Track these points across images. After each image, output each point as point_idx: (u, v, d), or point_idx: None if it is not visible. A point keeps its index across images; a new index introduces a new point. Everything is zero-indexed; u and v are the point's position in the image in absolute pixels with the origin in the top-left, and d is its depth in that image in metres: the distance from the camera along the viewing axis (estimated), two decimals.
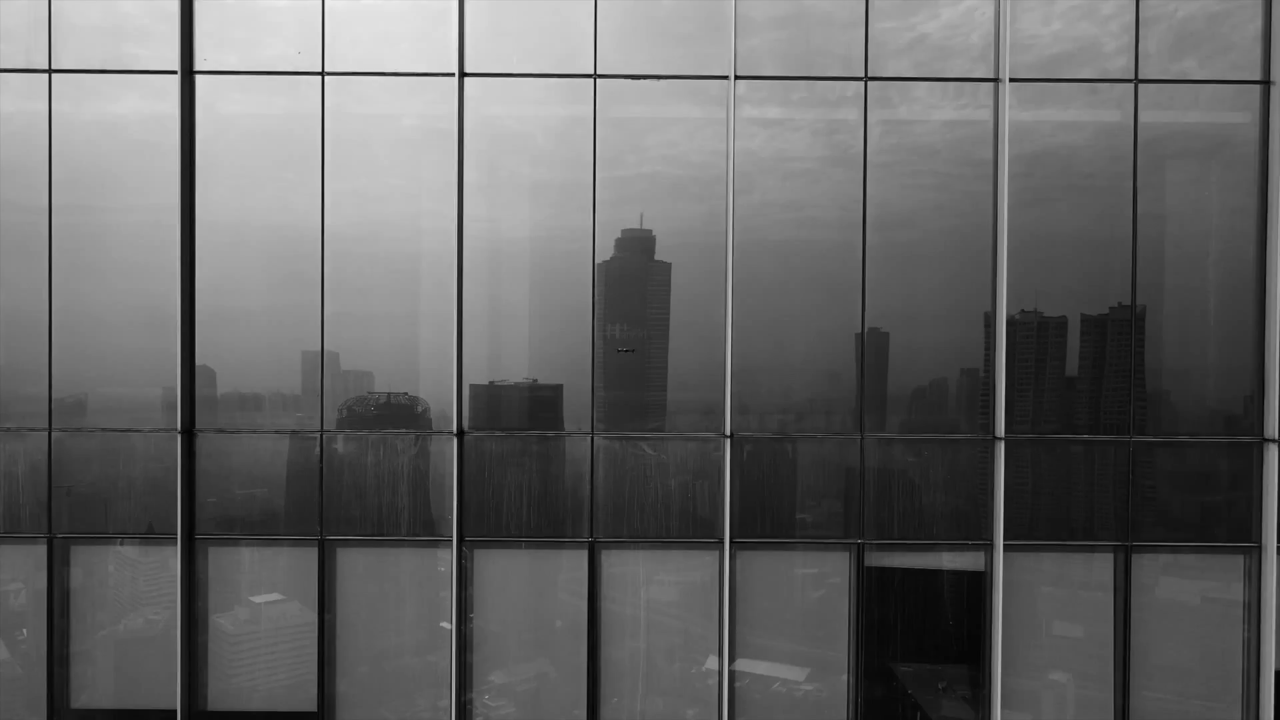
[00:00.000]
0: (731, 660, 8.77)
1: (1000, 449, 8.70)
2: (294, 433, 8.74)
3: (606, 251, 8.76)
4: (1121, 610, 8.81)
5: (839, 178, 8.71)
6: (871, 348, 8.74)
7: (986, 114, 8.69)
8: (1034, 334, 8.78)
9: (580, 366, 8.76)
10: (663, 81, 8.67)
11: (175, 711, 8.74)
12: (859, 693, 8.81)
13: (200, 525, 8.75)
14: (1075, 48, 8.67)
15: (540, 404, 8.82)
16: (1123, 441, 8.75)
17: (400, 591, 8.85)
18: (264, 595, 8.77)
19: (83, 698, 8.91)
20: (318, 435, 8.75)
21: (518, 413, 8.83)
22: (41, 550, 8.77)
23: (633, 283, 8.83)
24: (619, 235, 8.78)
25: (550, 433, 8.79)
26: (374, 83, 8.67)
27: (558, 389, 8.85)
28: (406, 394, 8.88)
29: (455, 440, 8.69)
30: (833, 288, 8.73)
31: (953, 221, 8.74)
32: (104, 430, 8.74)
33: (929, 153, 8.78)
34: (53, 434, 8.73)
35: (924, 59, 8.68)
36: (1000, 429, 8.68)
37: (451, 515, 8.69)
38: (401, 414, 8.81)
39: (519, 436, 8.79)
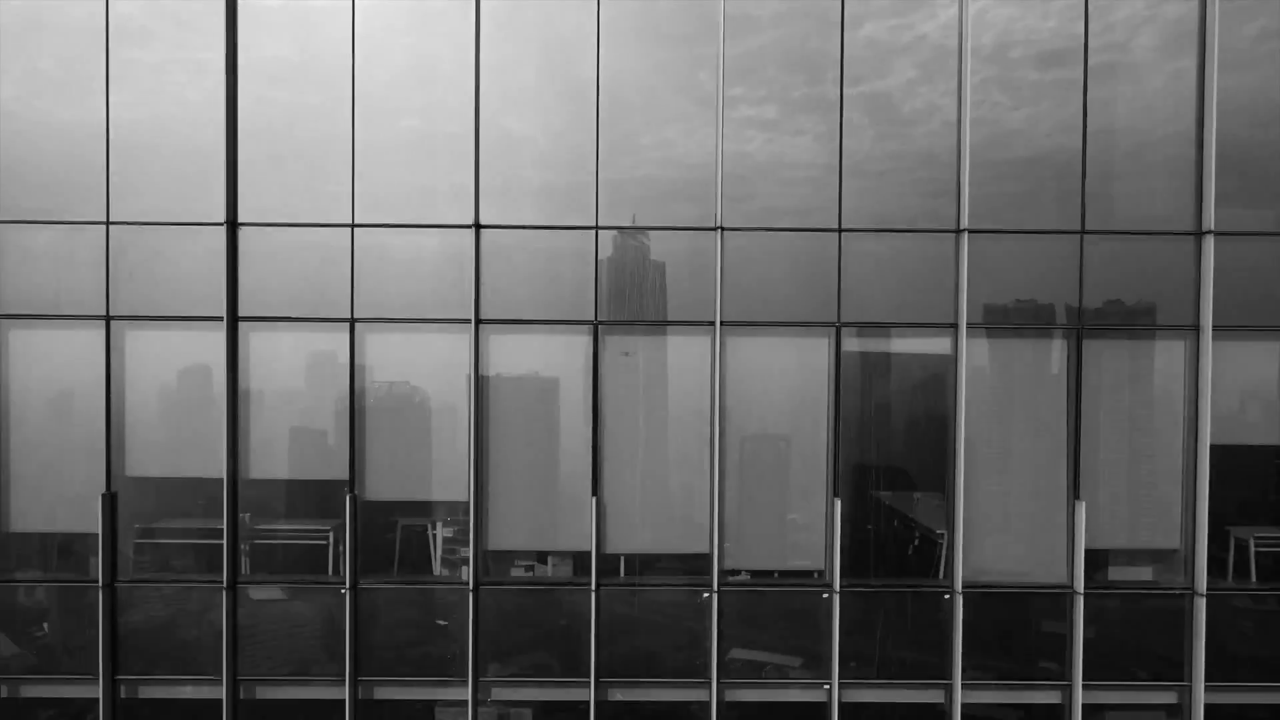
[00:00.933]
0: (722, 423, 9.78)
1: (965, 241, 9.65)
2: (327, 225, 9.69)
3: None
4: (1073, 388, 9.78)
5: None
6: None
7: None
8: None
9: None
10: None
11: (223, 479, 9.73)
12: (837, 456, 9.81)
13: (243, 307, 9.72)
14: None
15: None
16: (1074, 233, 9.70)
17: (432, 363, 9.84)
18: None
19: (137, 467, 9.89)
20: (349, 228, 9.70)
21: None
22: (100, 332, 9.73)
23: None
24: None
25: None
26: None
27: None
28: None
29: (473, 232, 9.66)
30: None
31: None
32: (156, 224, 9.68)
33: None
34: (110, 227, 9.67)
35: None
36: (965, 222, 9.62)
37: (471, 299, 9.67)
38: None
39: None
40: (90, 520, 9.75)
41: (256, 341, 9.82)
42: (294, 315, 9.75)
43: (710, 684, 9.78)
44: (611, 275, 9.78)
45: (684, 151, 9.64)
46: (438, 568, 10.00)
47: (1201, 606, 9.68)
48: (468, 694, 9.80)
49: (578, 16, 9.61)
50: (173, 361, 9.84)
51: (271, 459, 9.92)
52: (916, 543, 10.18)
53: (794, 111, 9.67)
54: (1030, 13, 9.62)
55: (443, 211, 9.71)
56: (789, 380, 9.95)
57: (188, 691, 9.91)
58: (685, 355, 9.88)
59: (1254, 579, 9.93)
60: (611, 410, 9.84)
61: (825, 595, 9.82)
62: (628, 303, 9.79)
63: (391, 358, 9.89)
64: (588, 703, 9.82)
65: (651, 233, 9.77)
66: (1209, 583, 9.69)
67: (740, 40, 9.57)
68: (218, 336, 9.69)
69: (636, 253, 9.79)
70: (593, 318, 9.77)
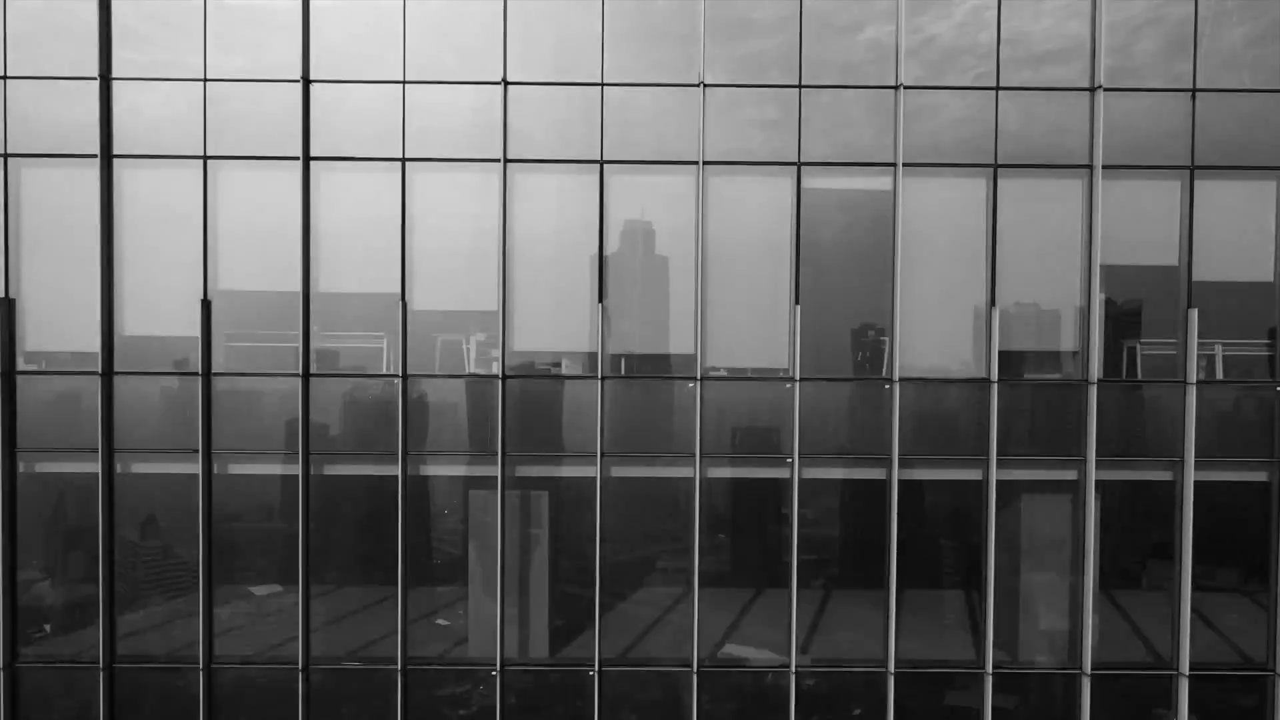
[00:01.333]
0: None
1: (901, 95, 11.86)
2: (383, 82, 11.93)
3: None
4: (991, 217, 12.01)
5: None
6: None
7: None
8: None
9: None
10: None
11: (299, 292, 11.98)
12: (798, 272, 12.03)
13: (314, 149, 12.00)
14: None
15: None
16: (989, 89, 11.91)
17: (463, 198, 12.08)
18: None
19: (227, 282, 12.15)
20: (400, 84, 11.94)
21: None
22: (198, 170, 11.98)
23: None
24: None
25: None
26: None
27: None
28: None
29: (501, 89, 11.88)
30: None
31: None
32: (244, 80, 11.92)
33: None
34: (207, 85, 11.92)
35: None
36: (901, 79, 11.84)
37: (502, 144, 11.93)
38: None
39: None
40: (187, 326, 12.01)
41: (326, 179, 12.06)
42: (357, 155, 12.00)
43: (695, 460, 12.03)
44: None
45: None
46: (471, 365, 12.25)
47: (1093, 394, 11.92)
48: (497, 469, 12.06)
49: None
50: (257, 195, 12.08)
51: (337, 276, 12.16)
52: (867, 353, 12.40)
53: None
54: None
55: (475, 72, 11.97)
56: (760, 213, 12.16)
57: (274, 468, 12.19)
58: (673, 192, 12.11)
59: (1139, 375, 12.18)
60: (615, 236, 12.08)
61: (789, 385, 12.07)
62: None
63: (437, 193, 12.10)
64: (594, 478, 12.07)
65: (648, 90, 11.96)
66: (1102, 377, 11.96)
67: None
68: (294, 174, 11.93)
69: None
70: (599, 158, 12.01)
